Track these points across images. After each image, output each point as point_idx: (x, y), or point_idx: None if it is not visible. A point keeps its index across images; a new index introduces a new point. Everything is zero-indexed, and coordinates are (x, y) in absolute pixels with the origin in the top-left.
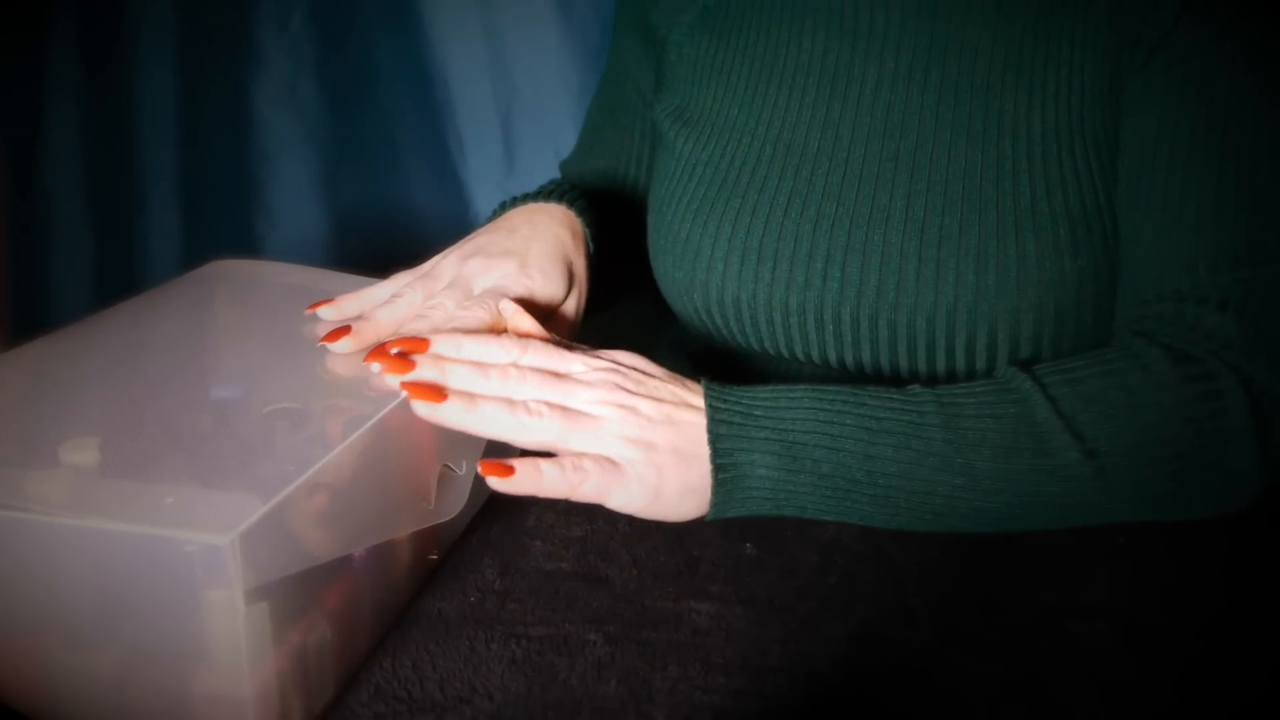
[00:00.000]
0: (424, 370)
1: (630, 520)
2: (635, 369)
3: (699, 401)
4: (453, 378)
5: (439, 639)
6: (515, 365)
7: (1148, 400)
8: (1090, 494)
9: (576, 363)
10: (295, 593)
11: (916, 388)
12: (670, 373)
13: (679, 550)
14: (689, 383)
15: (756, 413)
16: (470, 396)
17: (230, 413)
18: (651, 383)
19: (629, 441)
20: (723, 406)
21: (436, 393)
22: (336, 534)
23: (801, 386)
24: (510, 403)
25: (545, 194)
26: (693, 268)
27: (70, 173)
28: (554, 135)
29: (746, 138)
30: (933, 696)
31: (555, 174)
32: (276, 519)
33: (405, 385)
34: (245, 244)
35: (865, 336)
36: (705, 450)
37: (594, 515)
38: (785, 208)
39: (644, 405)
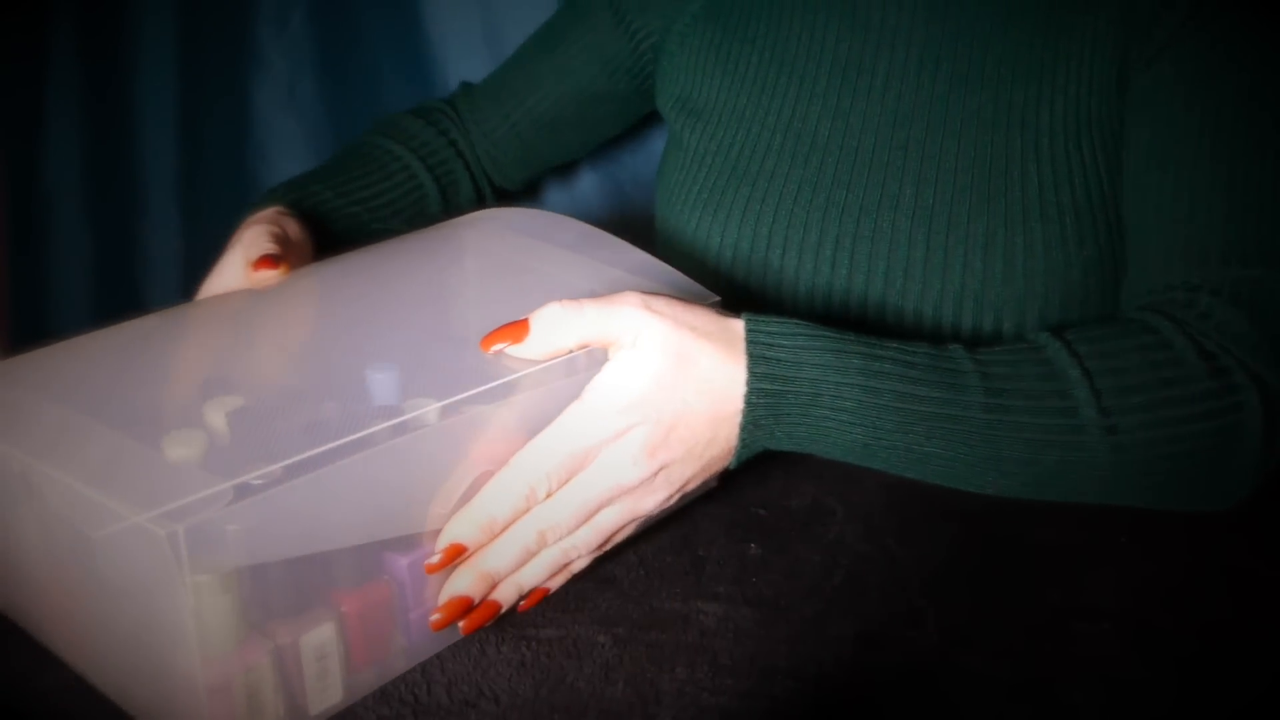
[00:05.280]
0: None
1: None
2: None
3: (736, 410)
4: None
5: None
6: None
7: (1179, 393)
8: (1104, 473)
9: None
10: (292, 592)
11: (967, 366)
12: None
13: (685, 550)
14: (729, 380)
15: (793, 428)
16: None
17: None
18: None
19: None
20: (761, 415)
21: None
22: (328, 533)
23: (854, 384)
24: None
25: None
26: (703, 258)
27: (70, 173)
28: None
29: (756, 127)
30: (938, 697)
31: (557, 179)
32: (265, 511)
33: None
34: None
35: (874, 325)
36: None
37: None
38: (795, 196)
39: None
